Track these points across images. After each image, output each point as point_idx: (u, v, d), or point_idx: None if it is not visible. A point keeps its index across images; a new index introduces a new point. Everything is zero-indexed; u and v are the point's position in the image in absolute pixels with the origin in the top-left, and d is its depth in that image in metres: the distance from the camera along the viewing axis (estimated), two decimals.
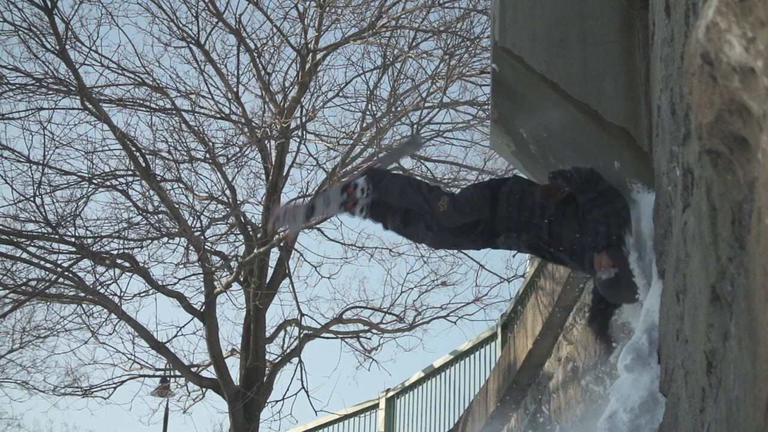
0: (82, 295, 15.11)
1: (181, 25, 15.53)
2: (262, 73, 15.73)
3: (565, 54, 5.31)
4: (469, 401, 12.70)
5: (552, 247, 5.24)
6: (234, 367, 16.11)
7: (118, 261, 14.95)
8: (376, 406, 15.45)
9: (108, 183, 15.44)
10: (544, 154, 5.85)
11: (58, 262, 14.89)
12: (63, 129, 20.59)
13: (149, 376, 17.49)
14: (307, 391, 15.53)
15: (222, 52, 17.24)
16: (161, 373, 17.67)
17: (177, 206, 15.29)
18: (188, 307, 15.64)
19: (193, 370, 16.27)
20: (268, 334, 16.11)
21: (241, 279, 15.64)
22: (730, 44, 1.83)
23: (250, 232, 15.83)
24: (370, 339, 16.73)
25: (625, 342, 4.94)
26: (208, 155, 15.75)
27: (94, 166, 15.43)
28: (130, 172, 15.39)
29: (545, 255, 5.44)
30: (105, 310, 15.58)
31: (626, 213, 5.11)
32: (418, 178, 5.89)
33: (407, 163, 16.42)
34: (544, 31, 5.36)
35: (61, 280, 14.84)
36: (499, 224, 5.34)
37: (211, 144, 15.77)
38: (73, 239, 14.70)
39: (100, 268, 15.05)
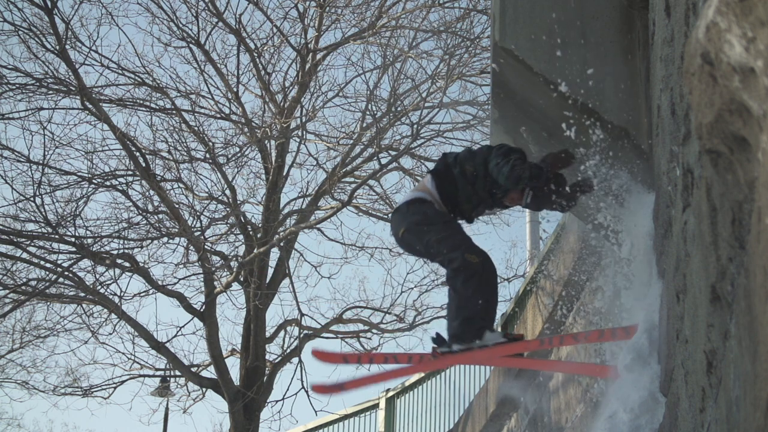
0: (82, 295, 15.11)
1: (181, 25, 15.55)
2: (262, 73, 15.73)
3: (565, 54, 5.31)
4: (469, 401, 12.70)
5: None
6: (234, 367, 16.14)
7: (118, 261, 14.95)
8: (376, 406, 15.45)
9: (108, 183, 15.45)
10: (544, 154, 5.85)
11: (58, 262, 14.89)
12: (63, 129, 20.65)
13: (149, 376, 17.50)
14: (307, 391, 15.54)
15: (222, 52, 17.29)
16: (161, 373, 17.67)
17: (177, 206, 15.29)
18: (188, 307, 15.64)
19: (193, 370, 16.27)
20: (268, 334, 16.12)
21: (241, 279, 15.64)
22: (730, 44, 1.83)
23: (250, 232, 15.83)
24: (370, 339, 16.74)
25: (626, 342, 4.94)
26: (208, 155, 15.75)
27: (94, 166, 15.46)
28: (130, 172, 15.39)
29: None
30: (105, 310, 15.58)
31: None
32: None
33: (407, 162, 16.45)
34: (544, 31, 5.36)
35: (61, 280, 14.84)
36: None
37: (211, 144, 15.78)
38: (73, 239, 14.70)
39: (100, 268, 15.06)
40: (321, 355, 6.16)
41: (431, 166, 16.27)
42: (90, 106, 14.64)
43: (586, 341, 5.59)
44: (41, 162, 14.60)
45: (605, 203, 5.58)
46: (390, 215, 5.86)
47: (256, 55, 15.72)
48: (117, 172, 15.54)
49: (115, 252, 15.10)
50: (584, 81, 5.29)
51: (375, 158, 15.77)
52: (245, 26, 15.85)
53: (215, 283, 15.74)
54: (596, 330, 5.46)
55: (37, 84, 14.69)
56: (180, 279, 16.08)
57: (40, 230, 14.74)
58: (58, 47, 14.29)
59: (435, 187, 5.58)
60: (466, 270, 5.28)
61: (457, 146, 16.44)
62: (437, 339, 5.45)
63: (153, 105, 15.56)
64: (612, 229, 5.65)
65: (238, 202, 15.92)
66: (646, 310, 4.84)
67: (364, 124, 15.75)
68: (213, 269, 15.71)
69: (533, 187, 5.38)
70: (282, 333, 16.56)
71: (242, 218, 15.96)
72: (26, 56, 14.80)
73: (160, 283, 15.56)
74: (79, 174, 15.17)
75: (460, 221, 5.72)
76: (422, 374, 14.42)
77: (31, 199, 14.54)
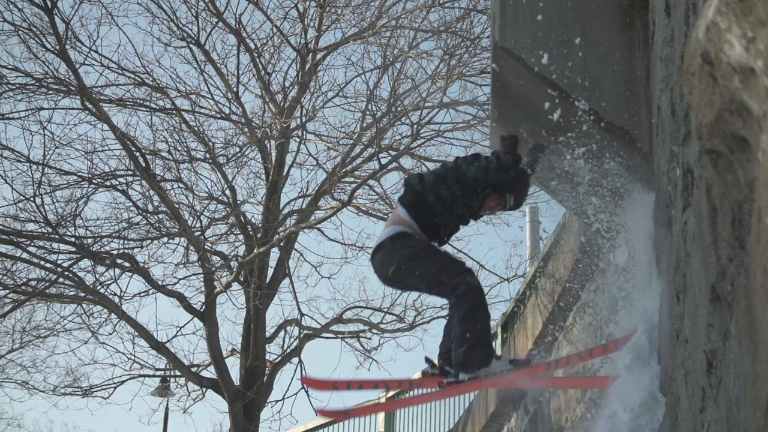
0: (82, 295, 15.10)
1: (181, 25, 15.54)
2: (262, 73, 15.73)
3: (565, 54, 5.31)
4: (469, 401, 12.70)
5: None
6: (234, 367, 16.13)
7: (118, 261, 14.94)
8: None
9: (108, 183, 15.44)
10: (543, 154, 5.84)
11: (58, 262, 14.88)
12: (63, 129, 20.62)
13: (149, 376, 17.49)
14: (307, 391, 15.53)
15: (222, 52, 17.28)
16: (161, 373, 17.66)
17: (177, 206, 15.29)
18: (188, 307, 15.64)
19: (193, 370, 16.26)
20: (268, 334, 16.11)
21: (241, 279, 15.64)
22: (730, 44, 1.83)
23: (250, 232, 15.83)
24: (370, 339, 16.74)
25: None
26: (208, 155, 15.75)
27: (94, 166, 15.45)
28: (130, 172, 15.39)
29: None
30: (105, 310, 15.57)
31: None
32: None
33: (407, 162, 16.44)
34: (544, 31, 5.36)
35: (61, 280, 14.83)
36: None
37: (211, 144, 15.77)
38: (73, 239, 14.70)
39: (100, 268, 15.05)
40: (312, 383, 6.08)
41: (431, 165, 16.34)
42: (90, 106, 14.64)
43: (591, 357, 5.56)
44: (41, 162, 14.59)
45: (605, 203, 5.59)
46: (371, 254, 5.53)
47: (256, 55, 15.72)
48: (117, 172, 15.53)
49: (115, 252, 15.09)
50: (584, 81, 5.29)
51: (375, 158, 15.77)
52: (245, 26, 15.86)
53: (215, 283, 15.74)
54: (600, 345, 5.44)
55: (37, 84, 14.68)
56: (180, 279, 16.08)
57: (40, 230, 14.73)
58: (58, 47, 14.29)
59: (412, 217, 5.40)
60: (471, 294, 5.17)
61: (457, 146, 16.45)
62: (439, 368, 5.29)
63: (153, 105, 15.56)
64: (610, 232, 5.66)
65: (238, 202, 15.93)
66: (646, 310, 4.85)
67: (364, 124, 15.76)
68: (213, 269, 15.70)
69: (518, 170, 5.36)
70: (282, 333, 16.56)
71: (242, 218, 15.95)
72: (26, 56, 14.81)
73: (160, 283, 15.55)
74: (79, 174, 15.17)
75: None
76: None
77: (31, 199, 14.53)
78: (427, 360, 5.45)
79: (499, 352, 12.00)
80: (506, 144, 5.50)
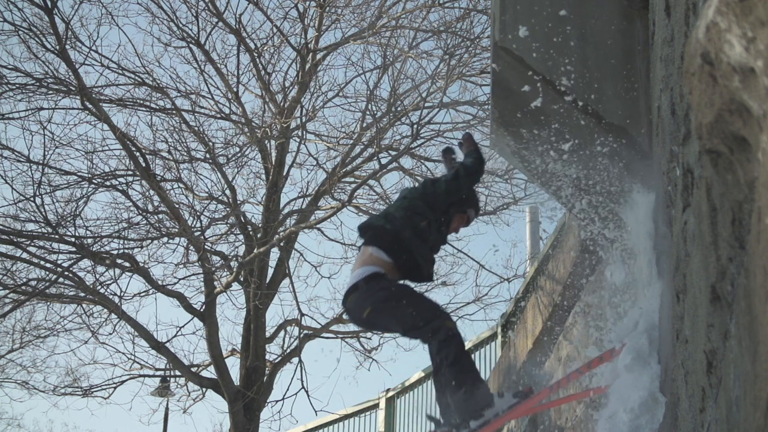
0: (82, 295, 15.10)
1: (181, 25, 15.54)
2: (262, 73, 15.73)
3: (565, 54, 5.31)
4: None
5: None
6: (234, 367, 16.13)
7: (118, 261, 14.94)
8: (376, 406, 15.44)
9: (108, 183, 15.44)
10: (544, 154, 5.85)
11: (58, 262, 14.88)
12: (63, 129, 20.65)
13: (149, 376, 17.49)
14: (307, 391, 15.54)
15: (222, 52, 17.28)
16: (161, 373, 17.66)
17: (177, 206, 15.28)
18: (188, 307, 15.63)
19: (193, 370, 16.26)
20: (268, 334, 16.11)
21: (241, 279, 15.64)
22: (730, 44, 1.83)
23: (250, 232, 15.82)
24: (370, 339, 16.73)
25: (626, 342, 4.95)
26: (208, 155, 15.75)
27: (94, 166, 15.45)
28: (130, 172, 15.39)
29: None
30: (105, 310, 15.57)
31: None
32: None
33: (407, 162, 16.44)
34: (544, 31, 5.36)
35: (61, 280, 14.83)
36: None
37: (211, 144, 15.77)
38: (73, 239, 14.70)
39: (100, 268, 15.05)
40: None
41: (431, 165, 16.36)
42: (90, 106, 14.63)
43: (589, 369, 5.55)
44: (41, 162, 14.59)
45: (605, 203, 5.59)
46: (343, 296, 5.30)
47: (256, 55, 15.71)
48: (117, 172, 15.53)
49: (115, 252, 15.09)
50: (584, 81, 5.29)
51: (375, 158, 15.77)
52: (245, 26, 15.86)
53: (215, 283, 15.73)
54: (596, 357, 5.43)
55: (37, 84, 14.68)
56: (180, 279, 16.08)
57: (40, 230, 14.73)
58: (58, 47, 14.29)
59: (391, 258, 5.20)
60: (454, 339, 5.01)
61: (457, 146, 16.42)
62: (445, 423, 5.03)
63: (153, 105, 15.56)
64: (610, 233, 5.65)
65: (238, 202, 15.92)
66: (646, 310, 4.85)
67: (364, 124, 15.75)
68: (213, 269, 15.70)
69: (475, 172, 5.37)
70: (282, 333, 16.55)
71: (242, 218, 15.95)
72: (26, 56, 14.81)
73: (160, 283, 15.55)
74: (79, 174, 15.17)
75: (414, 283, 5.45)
76: (422, 374, 14.42)
77: (31, 199, 14.53)
78: (431, 418, 5.23)
79: (499, 352, 12.00)
80: (467, 145, 5.51)
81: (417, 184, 5.44)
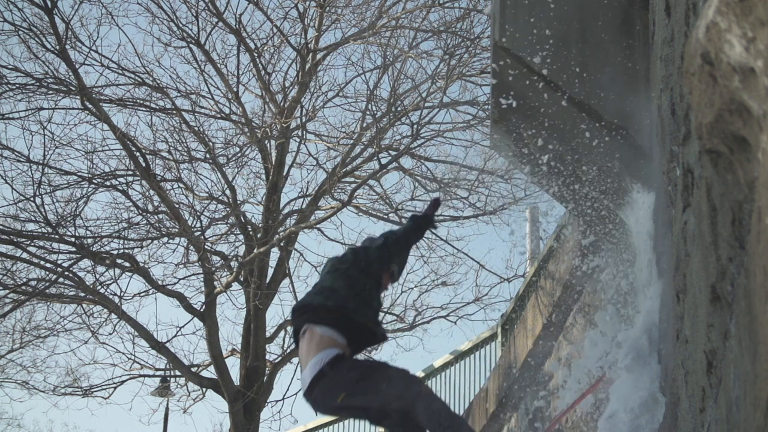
0: (82, 295, 15.10)
1: (181, 25, 15.54)
2: (262, 73, 15.73)
3: (565, 54, 5.31)
4: (469, 401, 12.70)
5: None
6: (234, 367, 16.13)
7: (118, 261, 14.93)
8: None
9: (108, 183, 15.43)
10: (544, 154, 5.85)
11: (58, 262, 14.88)
12: (63, 129, 20.66)
13: (149, 376, 17.49)
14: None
15: (222, 52, 17.28)
16: (161, 373, 17.66)
17: (177, 206, 15.28)
18: (188, 307, 15.63)
19: (193, 370, 16.26)
20: (268, 334, 16.11)
21: (241, 279, 15.64)
22: (730, 44, 1.83)
23: (250, 232, 15.83)
24: None
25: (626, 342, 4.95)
26: (208, 155, 15.75)
27: (94, 166, 15.44)
28: (130, 172, 15.39)
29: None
30: (105, 310, 15.57)
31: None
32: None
33: (407, 162, 16.44)
34: (544, 31, 5.36)
35: (61, 280, 14.82)
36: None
37: (211, 144, 15.77)
38: (73, 239, 14.69)
39: (100, 268, 15.05)
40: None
41: (431, 165, 16.37)
42: (90, 106, 14.63)
43: (584, 397, 5.55)
44: (41, 162, 14.59)
45: (604, 202, 5.59)
46: (305, 390, 5.02)
47: (256, 55, 15.71)
48: (117, 172, 15.53)
49: (115, 252, 15.09)
50: (584, 80, 5.29)
51: (375, 158, 15.77)
52: (245, 26, 15.85)
53: (215, 283, 15.73)
54: (590, 387, 5.43)
55: (37, 84, 14.67)
56: (180, 279, 16.08)
57: (40, 230, 14.73)
58: (58, 47, 14.28)
59: (341, 334, 5.00)
60: (434, 399, 4.85)
61: (457, 146, 16.46)
62: None
63: (153, 105, 15.55)
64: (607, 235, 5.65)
65: (238, 202, 15.92)
66: (646, 310, 4.85)
67: (364, 124, 15.75)
68: (213, 269, 15.70)
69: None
70: (282, 333, 16.55)
71: (242, 218, 15.95)
72: (26, 56, 14.79)
73: (160, 283, 15.55)
74: (79, 174, 15.17)
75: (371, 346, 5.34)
76: (422, 374, 14.43)
77: (31, 199, 14.53)
78: None
79: (499, 352, 12.01)
80: (427, 207, 5.50)
81: (341, 255, 5.33)
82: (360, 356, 5.29)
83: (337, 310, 5.02)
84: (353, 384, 4.83)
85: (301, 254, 17.01)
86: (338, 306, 5.03)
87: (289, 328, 16.56)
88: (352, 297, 5.06)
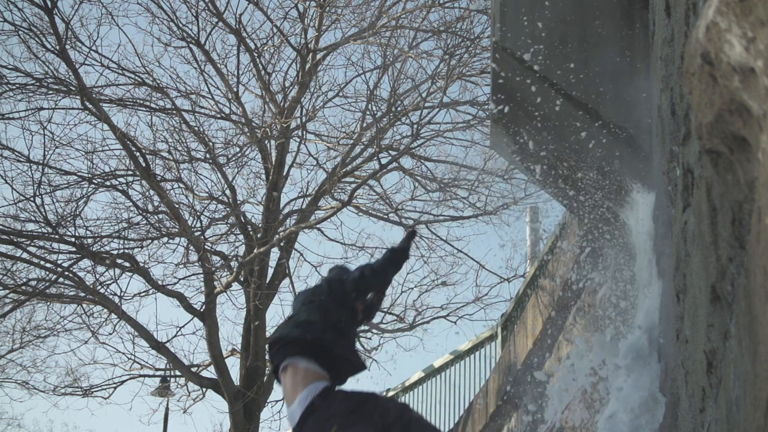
0: (82, 295, 15.10)
1: (181, 25, 15.54)
2: (262, 73, 15.73)
3: (565, 54, 5.31)
4: (469, 401, 12.70)
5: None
6: (234, 367, 16.13)
7: (118, 261, 14.93)
8: None
9: (108, 183, 15.43)
10: (544, 154, 5.85)
11: (58, 262, 14.88)
12: (63, 129, 20.67)
13: (149, 376, 17.49)
14: None
15: (222, 52, 17.29)
16: (161, 373, 17.67)
17: (177, 206, 15.28)
18: (188, 307, 15.63)
19: (193, 370, 16.26)
20: (268, 334, 16.10)
21: (241, 279, 15.64)
22: (730, 44, 1.83)
23: (250, 232, 15.83)
24: (370, 339, 16.74)
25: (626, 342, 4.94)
26: (208, 155, 15.75)
27: (94, 166, 15.44)
28: (130, 172, 15.39)
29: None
30: (105, 310, 15.57)
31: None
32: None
33: (407, 162, 16.45)
34: (544, 31, 5.36)
35: (61, 280, 14.82)
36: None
37: (211, 144, 15.77)
38: (73, 239, 14.69)
39: (100, 268, 15.05)
40: None
41: (431, 165, 16.37)
42: (90, 106, 14.63)
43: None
44: (41, 162, 14.59)
45: (604, 202, 5.58)
46: (296, 424, 4.94)
47: (256, 55, 15.71)
48: (117, 172, 15.53)
49: (115, 252, 15.09)
50: (584, 80, 5.29)
51: (375, 158, 15.77)
52: (245, 26, 15.86)
53: (215, 283, 15.73)
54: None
55: (37, 84, 14.67)
56: (180, 279, 16.08)
57: (40, 230, 14.73)
58: (58, 47, 14.28)
59: (321, 365, 4.98)
60: (425, 427, 4.90)
61: (457, 146, 16.46)
62: None
63: (153, 105, 15.55)
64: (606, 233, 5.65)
65: (238, 202, 15.92)
66: (646, 310, 4.85)
67: (364, 124, 15.76)
68: (213, 269, 15.70)
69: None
70: None
71: (242, 218, 15.95)
72: (26, 56, 14.80)
73: (160, 283, 15.55)
74: (79, 174, 15.17)
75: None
76: (422, 374, 14.43)
77: (31, 199, 14.53)
78: None
79: (499, 352, 12.01)
80: (402, 240, 5.50)
81: (314, 287, 5.29)
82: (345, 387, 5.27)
83: (316, 342, 4.99)
84: (346, 415, 4.76)
85: (301, 254, 17.03)
86: (316, 338, 4.99)
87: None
88: (328, 329, 5.04)
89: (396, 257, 5.35)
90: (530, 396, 9.95)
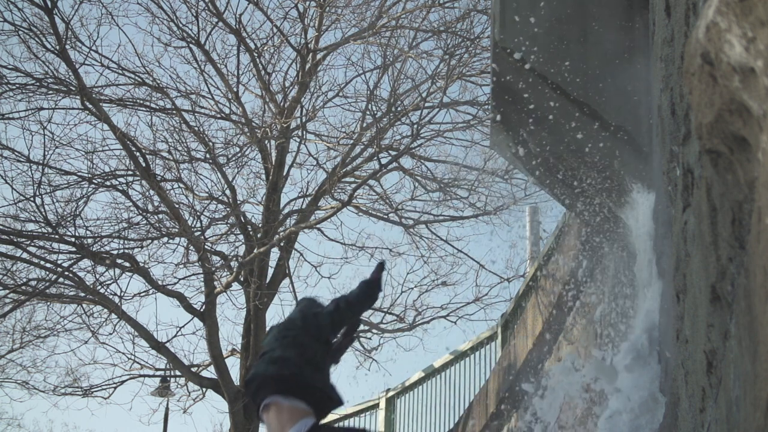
0: (82, 295, 15.10)
1: (181, 25, 15.54)
2: (262, 73, 15.73)
3: (565, 54, 5.31)
4: (469, 401, 12.70)
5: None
6: (234, 367, 16.13)
7: (118, 261, 14.94)
8: (376, 406, 15.46)
9: (108, 183, 15.44)
10: (543, 154, 5.85)
11: (58, 262, 14.88)
12: (63, 129, 20.61)
13: (149, 376, 17.50)
14: None
15: (222, 52, 17.27)
16: (161, 373, 17.67)
17: (177, 206, 15.29)
18: (188, 307, 15.64)
19: (193, 370, 16.26)
20: None
21: (241, 279, 15.64)
22: (731, 44, 1.83)
23: (250, 232, 15.83)
24: (370, 339, 16.74)
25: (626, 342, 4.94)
26: (208, 155, 15.75)
27: (94, 166, 15.45)
28: (130, 172, 15.39)
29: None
30: (105, 310, 15.58)
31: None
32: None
33: (407, 162, 16.45)
34: (544, 31, 5.36)
35: (61, 280, 14.83)
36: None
37: (211, 144, 15.77)
38: (73, 239, 14.70)
39: (100, 268, 15.05)
40: None
41: (431, 165, 16.38)
42: (90, 106, 14.64)
43: None
44: (41, 162, 14.59)
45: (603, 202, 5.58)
46: None
47: (256, 55, 15.72)
48: (117, 172, 15.53)
49: (115, 252, 15.09)
50: (584, 80, 5.29)
51: (375, 158, 15.78)
52: (245, 26, 15.86)
53: (215, 283, 15.74)
54: None
55: (37, 84, 14.68)
56: (180, 279, 16.08)
57: (40, 230, 14.73)
58: (58, 47, 14.28)
59: (303, 401, 5.11)
60: None
61: (457, 146, 16.46)
62: None
63: (153, 105, 15.56)
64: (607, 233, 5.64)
65: (238, 202, 15.92)
66: (646, 310, 4.85)
67: (364, 124, 15.76)
68: (213, 269, 15.70)
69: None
70: None
71: (242, 218, 15.95)
72: (26, 56, 14.79)
73: (160, 283, 15.55)
74: (79, 174, 15.17)
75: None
76: (422, 374, 14.43)
77: (31, 199, 14.53)
78: None
79: (499, 352, 12.01)
80: (372, 273, 5.49)
81: (286, 321, 5.27)
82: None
83: (293, 380, 5.02)
84: None
85: (301, 254, 17.03)
86: (293, 375, 5.02)
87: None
88: (304, 364, 5.06)
89: (369, 289, 5.34)
90: (530, 396, 9.95)
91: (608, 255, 6.23)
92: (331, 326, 5.12)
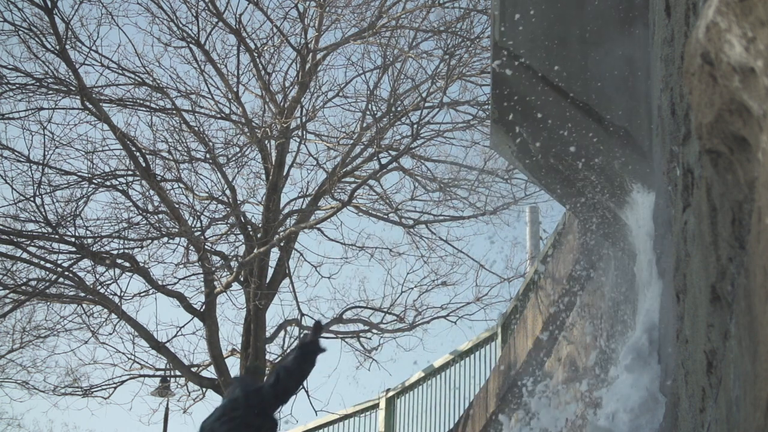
0: (82, 295, 15.10)
1: (181, 25, 15.54)
2: (262, 73, 15.73)
3: (565, 54, 5.31)
4: (469, 401, 12.70)
5: None
6: (234, 367, 16.12)
7: (118, 261, 14.94)
8: (376, 406, 15.45)
9: (108, 183, 15.43)
10: (544, 154, 5.85)
11: (58, 262, 14.88)
12: (63, 129, 20.54)
13: (149, 376, 17.48)
14: (307, 391, 15.55)
15: (222, 52, 17.25)
16: (161, 373, 17.66)
17: (177, 206, 15.29)
18: (188, 307, 15.63)
19: (193, 370, 16.26)
20: (268, 334, 16.11)
21: (241, 279, 15.64)
22: (730, 44, 1.83)
23: (250, 232, 15.83)
24: (370, 339, 16.74)
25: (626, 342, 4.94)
26: (208, 155, 15.75)
27: (94, 166, 15.44)
28: (130, 172, 15.39)
29: None
30: (105, 310, 15.57)
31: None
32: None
33: (407, 162, 16.44)
34: (544, 31, 5.36)
35: (61, 280, 14.82)
36: None
37: (211, 144, 15.77)
38: (73, 239, 14.69)
39: (100, 268, 15.05)
40: None
41: (431, 165, 16.37)
42: (90, 106, 14.63)
43: None
44: (41, 162, 14.59)
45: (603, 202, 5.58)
46: None
47: (256, 55, 15.71)
48: (117, 172, 15.53)
49: (115, 252, 15.09)
50: (584, 80, 5.29)
51: (375, 158, 15.77)
52: (245, 26, 15.85)
53: (215, 283, 15.73)
54: None
55: (37, 84, 14.67)
56: (180, 279, 16.07)
57: (40, 230, 14.73)
58: (58, 47, 14.28)
59: None
60: None
61: (457, 146, 16.46)
62: None
63: (153, 105, 15.55)
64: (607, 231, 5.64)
65: (238, 202, 15.92)
66: (646, 310, 4.85)
67: (364, 124, 15.76)
68: (213, 269, 15.70)
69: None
70: (282, 333, 16.55)
71: (242, 218, 15.95)
72: (26, 56, 14.79)
73: (160, 283, 15.55)
74: (79, 174, 15.17)
75: None
76: (422, 374, 14.43)
77: (31, 199, 14.53)
78: None
79: (499, 352, 12.01)
80: (311, 333, 5.49)
81: (231, 400, 5.30)
82: None
83: None
84: None
85: (301, 254, 17.02)
86: None
87: (289, 328, 16.56)
88: (262, 423, 5.11)
89: (307, 352, 5.35)
90: (530, 396, 9.95)
91: (608, 255, 6.23)
92: (275, 399, 5.15)
